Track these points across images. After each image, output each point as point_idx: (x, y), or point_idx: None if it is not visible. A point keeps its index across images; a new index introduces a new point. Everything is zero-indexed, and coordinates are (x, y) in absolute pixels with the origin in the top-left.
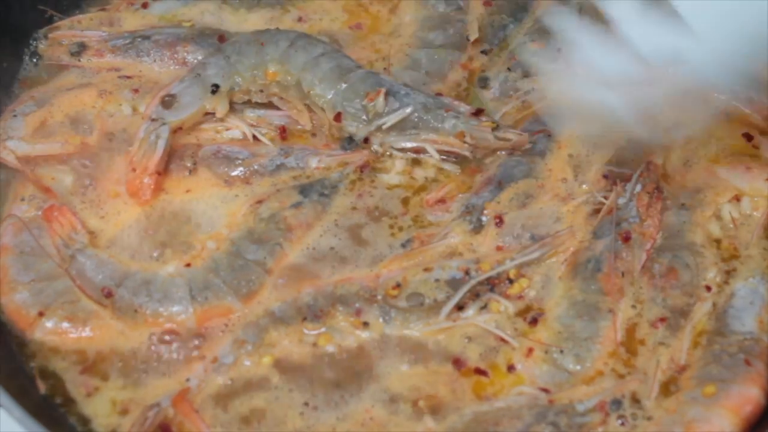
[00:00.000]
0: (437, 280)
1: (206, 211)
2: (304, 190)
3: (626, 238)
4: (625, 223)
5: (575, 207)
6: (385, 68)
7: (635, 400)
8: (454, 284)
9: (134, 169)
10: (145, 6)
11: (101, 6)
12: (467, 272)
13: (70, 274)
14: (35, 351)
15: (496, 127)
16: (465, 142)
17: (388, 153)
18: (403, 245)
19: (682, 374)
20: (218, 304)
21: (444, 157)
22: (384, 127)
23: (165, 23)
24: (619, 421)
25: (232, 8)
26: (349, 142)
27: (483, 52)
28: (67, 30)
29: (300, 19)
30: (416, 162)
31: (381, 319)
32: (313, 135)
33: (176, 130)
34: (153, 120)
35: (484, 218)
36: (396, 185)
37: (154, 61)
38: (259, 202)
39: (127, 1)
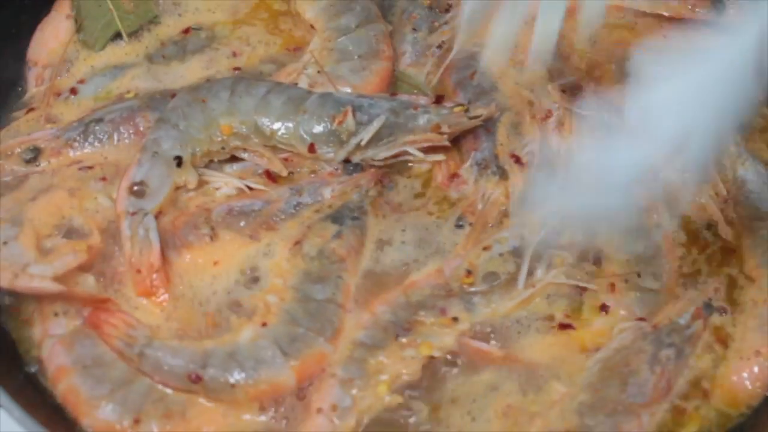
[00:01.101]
0: (501, 255)
1: (248, 270)
2: (336, 219)
3: None
4: None
5: (568, 128)
6: (318, 71)
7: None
8: (517, 253)
9: (139, 271)
10: (73, 92)
11: (27, 108)
12: (522, 238)
13: (145, 372)
14: None
15: (467, 110)
16: (442, 133)
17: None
18: (458, 225)
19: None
20: (311, 352)
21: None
22: (362, 143)
23: (103, 102)
24: (718, 313)
25: (163, 65)
26: (354, 167)
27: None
28: (13, 138)
29: (234, 54)
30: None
31: (466, 309)
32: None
33: (157, 215)
34: (133, 214)
35: (502, 163)
36: (424, 172)
37: (117, 141)
38: (297, 243)
39: (53, 93)
